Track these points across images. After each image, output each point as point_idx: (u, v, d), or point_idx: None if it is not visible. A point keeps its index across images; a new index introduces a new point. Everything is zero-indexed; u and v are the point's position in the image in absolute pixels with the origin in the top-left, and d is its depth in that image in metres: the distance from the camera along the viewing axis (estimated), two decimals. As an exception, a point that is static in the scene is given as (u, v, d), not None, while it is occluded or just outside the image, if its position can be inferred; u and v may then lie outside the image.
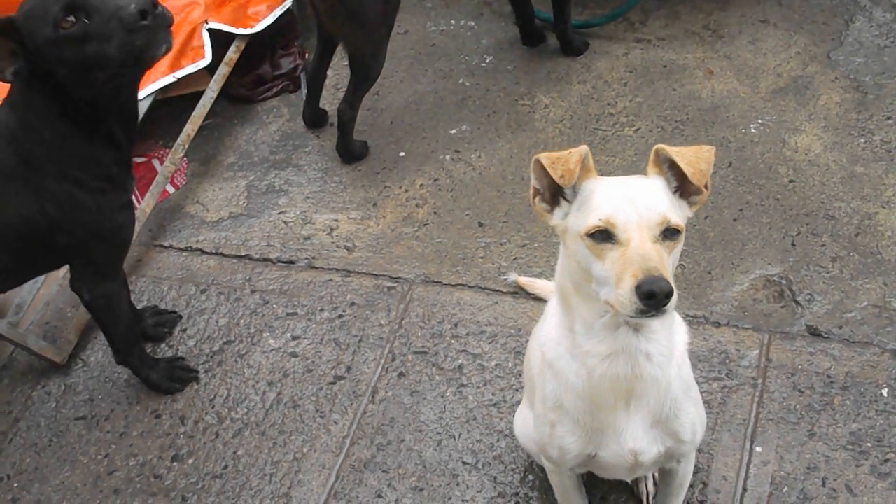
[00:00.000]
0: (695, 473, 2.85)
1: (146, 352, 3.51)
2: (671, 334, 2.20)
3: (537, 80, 4.52)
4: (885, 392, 3.16)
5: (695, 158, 2.04)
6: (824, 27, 4.51)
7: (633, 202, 1.97)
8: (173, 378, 3.51)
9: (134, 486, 3.28)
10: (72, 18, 2.60)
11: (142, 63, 2.72)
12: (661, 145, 2.07)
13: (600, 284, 1.99)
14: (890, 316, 3.36)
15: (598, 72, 4.51)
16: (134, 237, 3.81)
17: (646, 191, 2.03)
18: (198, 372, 3.55)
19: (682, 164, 2.01)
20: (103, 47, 2.62)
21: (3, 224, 2.92)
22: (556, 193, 2.11)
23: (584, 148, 2.03)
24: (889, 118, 4.05)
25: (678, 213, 2.03)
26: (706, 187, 2.09)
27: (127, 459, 3.36)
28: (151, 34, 2.62)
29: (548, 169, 2.02)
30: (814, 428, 3.10)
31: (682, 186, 2.09)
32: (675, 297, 1.89)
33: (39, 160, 2.87)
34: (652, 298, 1.86)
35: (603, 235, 1.96)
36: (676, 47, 4.56)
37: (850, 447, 3.04)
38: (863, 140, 3.99)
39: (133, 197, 3.23)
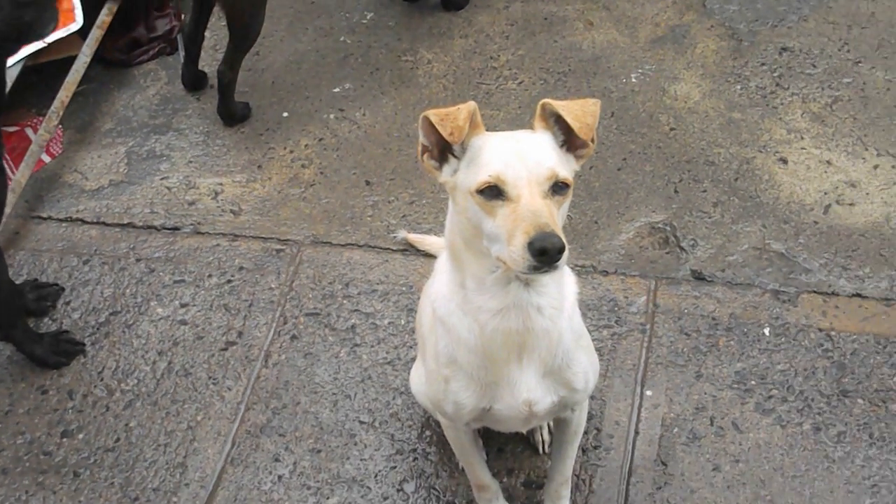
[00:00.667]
0: (588, 420, 2.91)
1: (29, 326, 3.41)
2: (561, 287, 2.22)
3: (419, 36, 4.50)
4: (766, 331, 3.26)
5: (581, 112, 2.05)
6: (699, -24, 4.59)
7: (522, 158, 1.98)
8: (59, 352, 3.42)
9: (22, 464, 3.19)
10: None
11: (27, 39, 2.61)
12: (547, 100, 2.07)
13: (491, 241, 1.99)
14: (769, 257, 3.46)
15: (480, 26, 4.51)
16: (10, 209, 3.69)
17: (534, 146, 2.03)
18: (84, 344, 3.47)
19: (569, 119, 2.02)
20: None
21: None
22: (444, 150, 2.10)
23: (472, 104, 2.02)
24: (763, 64, 4.14)
25: (566, 168, 2.04)
26: (592, 141, 2.10)
27: (14, 438, 3.26)
28: (41, 10, 2.51)
29: (437, 126, 2.00)
30: (701, 369, 3.18)
31: (569, 140, 2.10)
32: (566, 253, 1.90)
33: None
34: (544, 255, 1.87)
35: (493, 192, 1.96)
36: (556, -1, 4.59)
37: (736, 386, 3.13)
38: (739, 87, 4.07)
39: (4, 164, 3.11)
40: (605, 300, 3.39)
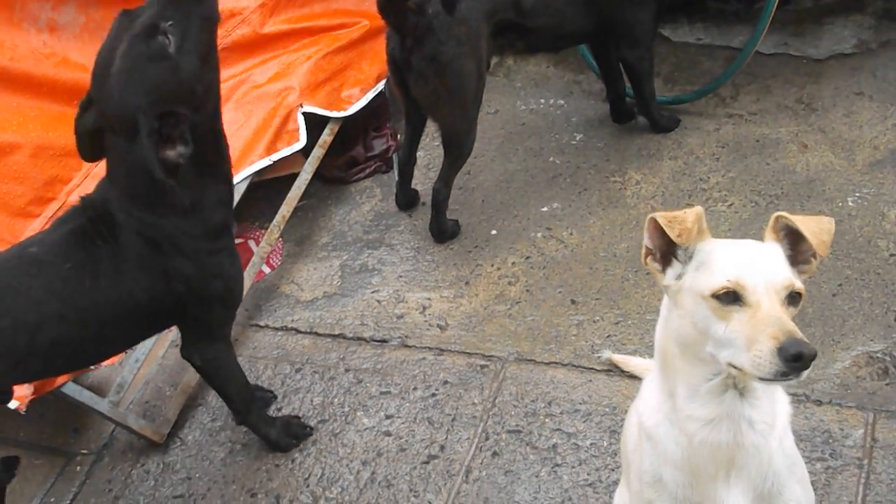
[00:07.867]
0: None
1: (263, 411, 3.56)
2: (773, 402, 2.15)
3: (628, 157, 4.52)
4: None
5: (818, 229, 2.03)
6: (921, 98, 4.45)
7: (759, 265, 1.97)
8: (290, 434, 3.56)
9: (230, 565, 3.29)
10: None
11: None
12: (782, 213, 2.06)
13: (721, 346, 1.96)
14: None
15: (690, 147, 4.49)
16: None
17: (770, 255, 2.03)
18: (313, 428, 3.59)
19: (807, 234, 2.01)
20: None
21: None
22: (667, 254, 2.11)
23: (698, 208, 2.04)
24: None
25: (797, 280, 2.02)
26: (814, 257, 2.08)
27: (223, 538, 3.38)
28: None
29: (665, 228, 2.02)
30: (925, 510, 2.99)
31: (793, 255, 2.08)
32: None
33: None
34: (799, 360, 1.86)
35: (730, 297, 1.95)
36: (769, 121, 4.52)
37: (965, 531, 2.92)
38: (966, 212, 3.90)
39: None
40: (818, 431, 3.24)
